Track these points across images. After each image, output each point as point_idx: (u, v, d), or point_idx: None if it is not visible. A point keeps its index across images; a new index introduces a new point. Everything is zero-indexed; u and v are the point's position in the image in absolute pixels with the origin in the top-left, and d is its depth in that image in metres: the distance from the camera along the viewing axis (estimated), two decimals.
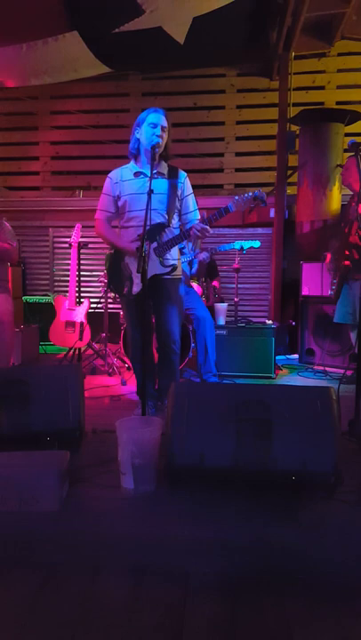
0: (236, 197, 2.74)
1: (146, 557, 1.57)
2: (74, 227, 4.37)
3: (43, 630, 1.29)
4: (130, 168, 2.86)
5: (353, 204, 3.62)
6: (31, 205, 6.09)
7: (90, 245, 4.53)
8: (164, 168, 2.85)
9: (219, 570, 1.50)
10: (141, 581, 1.47)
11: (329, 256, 3.92)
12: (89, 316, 4.29)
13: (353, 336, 3.80)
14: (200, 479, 1.91)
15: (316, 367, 4.37)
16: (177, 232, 2.86)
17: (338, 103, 5.65)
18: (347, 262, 3.56)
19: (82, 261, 4.47)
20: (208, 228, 2.70)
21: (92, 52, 4.72)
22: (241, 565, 1.52)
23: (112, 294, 4.14)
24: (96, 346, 4.43)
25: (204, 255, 4.04)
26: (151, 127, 2.71)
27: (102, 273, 4.26)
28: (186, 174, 2.91)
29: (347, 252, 3.55)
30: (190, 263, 4.04)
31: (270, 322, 4.39)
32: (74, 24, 4.36)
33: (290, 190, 5.39)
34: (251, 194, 2.71)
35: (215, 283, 4.72)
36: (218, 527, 1.68)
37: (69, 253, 4.42)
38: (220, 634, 1.27)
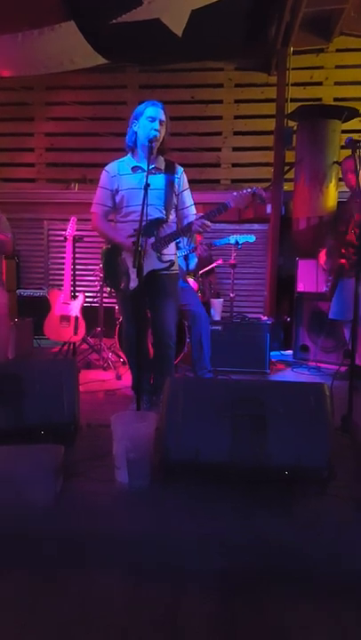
0: (235, 193, 2.73)
1: (143, 556, 1.57)
2: (69, 220, 4.34)
3: (43, 630, 1.28)
4: (127, 162, 2.85)
5: (353, 201, 3.61)
6: (26, 197, 6.03)
7: (85, 239, 4.51)
8: (161, 163, 2.84)
9: (217, 568, 1.50)
10: (139, 580, 1.46)
11: (324, 253, 3.92)
12: (84, 310, 4.28)
13: (347, 333, 3.81)
14: (195, 474, 1.92)
15: (310, 363, 4.39)
16: (175, 227, 2.86)
17: (335, 99, 5.63)
18: (343, 261, 3.57)
19: (77, 255, 4.45)
20: (209, 223, 2.70)
21: (89, 42, 4.67)
22: (239, 564, 1.53)
23: (107, 288, 4.13)
24: (91, 340, 4.42)
25: (201, 249, 4.04)
26: (149, 121, 2.69)
27: (98, 267, 4.25)
28: (183, 169, 2.90)
29: (343, 251, 3.55)
30: (186, 258, 4.04)
31: (265, 318, 4.39)
32: (71, 14, 4.31)
33: (287, 186, 5.38)
34: (249, 190, 2.70)
35: (210, 279, 4.72)
36: (215, 524, 1.69)
37: (64, 247, 4.40)
38: (219, 633, 1.27)
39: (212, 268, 4.72)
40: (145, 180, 2.49)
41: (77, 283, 4.43)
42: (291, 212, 5.22)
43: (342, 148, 4.77)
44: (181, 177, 2.88)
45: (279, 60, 5.27)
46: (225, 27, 4.79)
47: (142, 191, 2.47)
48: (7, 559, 1.55)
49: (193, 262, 4.08)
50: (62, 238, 4.41)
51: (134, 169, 2.80)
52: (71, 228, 4.30)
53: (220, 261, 4.56)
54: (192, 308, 3.70)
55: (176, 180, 2.84)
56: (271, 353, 4.20)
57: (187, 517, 1.71)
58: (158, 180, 2.77)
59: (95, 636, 1.26)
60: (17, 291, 5.43)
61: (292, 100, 5.29)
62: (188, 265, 4.07)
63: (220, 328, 4.10)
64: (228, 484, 1.89)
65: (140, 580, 1.47)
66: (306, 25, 5.06)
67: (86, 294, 4.45)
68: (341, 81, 5.69)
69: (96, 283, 4.48)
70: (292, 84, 5.35)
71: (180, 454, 1.91)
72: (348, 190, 4.02)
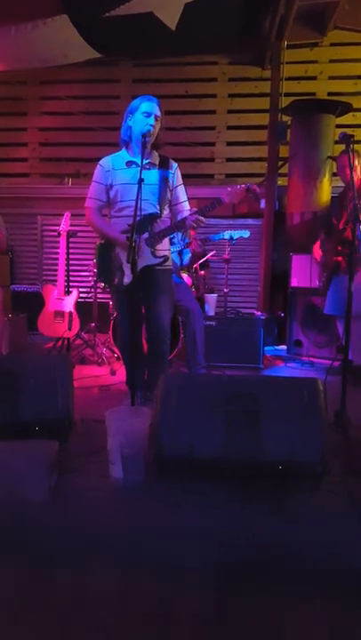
0: (229, 189, 2.73)
1: (137, 551, 1.58)
2: (63, 215, 4.33)
3: (36, 623, 1.28)
4: (121, 156, 2.84)
5: (347, 195, 3.60)
6: (19, 192, 6.01)
7: (79, 234, 4.50)
8: (155, 158, 2.84)
9: (210, 562, 1.50)
10: (134, 575, 1.47)
11: (316, 247, 3.92)
12: (78, 305, 4.27)
13: (341, 328, 3.82)
14: (189, 470, 1.93)
15: (303, 358, 4.41)
16: (169, 223, 2.86)
17: (329, 94, 5.62)
18: (339, 258, 3.56)
19: (71, 250, 4.44)
20: (202, 218, 2.70)
21: (83, 36, 4.64)
22: (233, 557, 1.53)
23: (101, 284, 4.13)
24: (85, 336, 4.42)
25: (195, 244, 4.04)
26: (145, 116, 2.68)
27: (92, 262, 4.24)
28: (177, 165, 2.90)
29: (339, 248, 3.55)
30: (180, 253, 4.04)
31: (259, 313, 4.40)
32: (64, 7, 4.28)
33: (280, 181, 5.38)
34: (243, 185, 2.71)
35: (202, 273, 4.72)
36: (208, 519, 1.69)
37: (58, 242, 4.38)
38: (212, 626, 1.27)
39: (207, 262, 4.72)
40: (139, 175, 2.49)
41: (71, 278, 4.42)
42: (285, 207, 5.23)
43: (336, 142, 4.78)
44: (175, 172, 2.88)
45: (273, 53, 5.26)
46: (219, 20, 4.76)
47: (136, 186, 2.47)
48: (1, 554, 1.55)
49: (187, 257, 4.08)
50: (56, 233, 4.39)
51: (128, 164, 2.80)
52: (65, 224, 4.28)
53: (212, 253, 4.56)
54: (186, 303, 3.71)
55: (170, 175, 2.84)
56: (265, 348, 4.21)
57: (181, 513, 1.72)
58: (152, 176, 2.77)
59: (90, 630, 1.27)
60: (11, 286, 5.41)
61: (286, 95, 5.28)
62: (182, 260, 4.07)
63: (214, 323, 4.11)
64: (222, 479, 1.90)
65: (135, 574, 1.48)
66: (300, 18, 5.04)
67: (80, 290, 4.44)
68: (336, 75, 5.68)
69: (90, 278, 4.47)
70: (286, 79, 5.34)
71: (173, 450, 1.92)
72: (342, 185, 4.02)
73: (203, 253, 4.46)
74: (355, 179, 3.50)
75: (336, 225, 3.62)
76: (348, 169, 3.59)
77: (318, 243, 3.92)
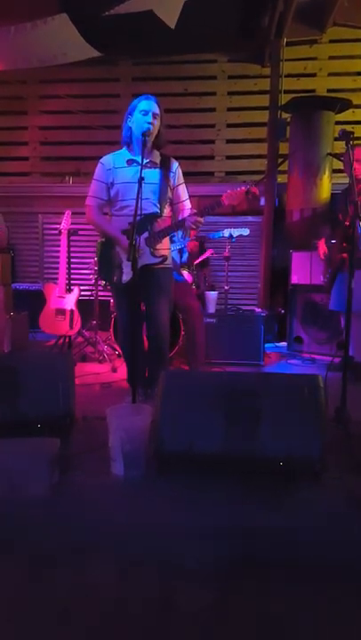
0: (229, 191, 2.74)
1: (136, 545, 1.59)
2: (64, 213, 4.34)
3: (36, 620, 1.29)
4: (123, 155, 2.84)
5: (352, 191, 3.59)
6: (20, 191, 6.03)
7: (80, 232, 4.51)
8: (156, 157, 2.84)
9: (210, 558, 1.52)
10: (134, 569, 1.48)
11: (322, 244, 3.91)
12: (79, 303, 4.28)
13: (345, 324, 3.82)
14: (189, 465, 1.94)
15: (304, 355, 4.42)
16: (169, 222, 2.87)
17: (329, 91, 5.62)
18: (345, 255, 3.56)
19: (72, 249, 4.45)
20: (201, 219, 2.71)
21: (82, 35, 4.64)
22: (233, 556, 1.54)
23: (102, 282, 4.14)
24: (86, 333, 4.44)
25: (192, 245, 4.05)
26: (142, 115, 2.69)
27: (92, 260, 4.25)
28: (178, 164, 2.90)
29: (345, 245, 3.54)
30: (180, 251, 4.05)
31: (259, 310, 4.41)
32: (64, 6, 4.29)
33: (280, 178, 5.39)
34: (243, 188, 2.71)
35: (205, 271, 4.73)
36: (208, 515, 1.70)
37: (59, 240, 4.39)
38: (213, 624, 1.28)
39: (207, 260, 4.73)
40: (139, 173, 2.50)
41: (72, 276, 4.44)
42: (284, 204, 5.23)
43: (336, 139, 4.77)
44: (176, 171, 2.88)
45: (273, 51, 5.26)
46: (218, 18, 4.77)
47: (137, 185, 2.48)
48: (3, 551, 1.57)
49: (185, 256, 4.10)
50: (57, 232, 4.40)
51: (129, 162, 2.80)
52: (66, 222, 4.29)
53: (209, 251, 4.56)
54: (186, 300, 3.72)
55: (171, 174, 2.84)
56: (265, 345, 4.22)
57: (181, 509, 1.73)
58: (153, 175, 2.77)
59: (90, 630, 1.27)
60: (12, 285, 5.42)
61: (286, 92, 5.28)
62: (181, 258, 4.09)
63: (214, 320, 4.12)
64: (222, 474, 1.91)
65: (135, 569, 1.49)
66: (299, 15, 5.03)
67: (81, 287, 4.46)
68: (335, 72, 5.68)
69: (91, 276, 4.49)
70: (285, 76, 5.34)
71: (174, 445, 1.93)
72: (343, 182, 4.01)
73: (200, 250, 4.47)
74: None
75: (342, 221, 3.62)
76: (356, 163, 3.59)
77: (324, 239, 3.91)
